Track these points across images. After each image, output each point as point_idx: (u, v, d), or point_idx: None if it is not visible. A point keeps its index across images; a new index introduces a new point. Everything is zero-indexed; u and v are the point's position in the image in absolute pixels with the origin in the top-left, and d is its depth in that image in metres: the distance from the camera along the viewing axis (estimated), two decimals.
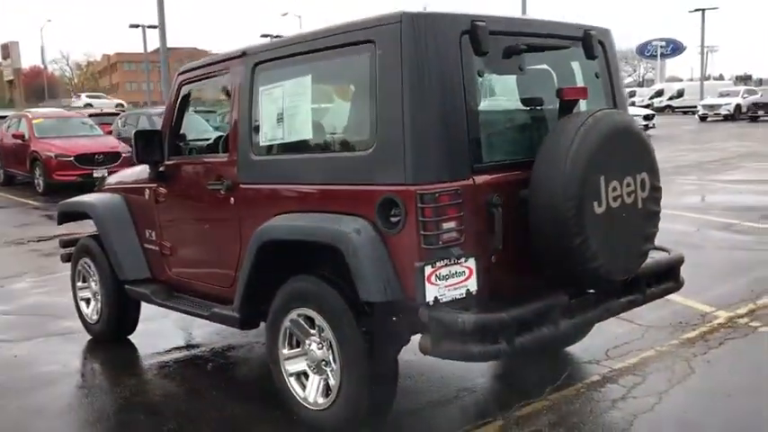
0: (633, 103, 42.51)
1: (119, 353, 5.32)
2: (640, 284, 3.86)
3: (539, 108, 3.72)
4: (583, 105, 3.85)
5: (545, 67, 3.99)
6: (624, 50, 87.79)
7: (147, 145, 4.66)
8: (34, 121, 16.59)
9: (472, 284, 3.26)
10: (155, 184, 4.86)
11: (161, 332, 5.75)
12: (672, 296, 5.87)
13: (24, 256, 9.19)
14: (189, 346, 5.44)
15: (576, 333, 4.67)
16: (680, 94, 49.24)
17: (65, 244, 5.97)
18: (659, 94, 50.64)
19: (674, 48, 66.11)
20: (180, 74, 4.75)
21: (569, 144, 3.27)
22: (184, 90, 4.70)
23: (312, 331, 3.68)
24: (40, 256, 9.04)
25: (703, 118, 37.13)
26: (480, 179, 3.32)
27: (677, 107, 48.02)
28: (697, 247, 8.00)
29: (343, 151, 3.68)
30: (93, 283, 5.49)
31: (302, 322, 3.70)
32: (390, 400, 3.63)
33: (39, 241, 10.03)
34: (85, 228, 5.82)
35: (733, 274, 6.72)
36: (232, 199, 4.14)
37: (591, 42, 3.93)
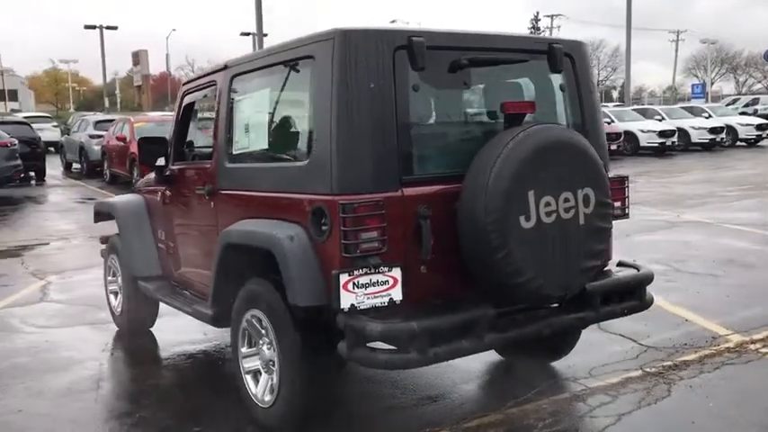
0: (755, 111, 40.06)
1: (138, 343, 5.70)
2: (593, 301, 3.79)
3: (489, 122, 3.74)
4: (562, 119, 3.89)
5: (517, 81, 4.02)
6: (754, 55, 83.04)
7: (152, 151, 5.01)
8: (135, 125, 17.73)
9: (397, 293, 3.33)
10: (163, 187, 5.20)
11: (183, 326, 6.08)
12: (692, 317, 5.79)
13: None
14: (204, 341, 5.75)
15: (562, 346, 4.62)
16: None
17: (103, 240, 6.46)
18: None
19: None
20: (183, 84, 5.08)
21: (495, 158, 3.30)
22: (186, 100, 5.02)
23: (263, 332, 3.86)
24: None
25: None
26: (409, 191, 3.40)
27: None
28: (749, 267, 7.61)
29: (287, 161, 3.86)
30: (118, 278, 5.92)
31: (255, 323, 3.89)
32: (327, 401, 3.76)
33: None
34: None
35: None
36: (212, 203, 4.40)
37: (555, 55, 3.91)
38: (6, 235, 11.67)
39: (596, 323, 3.96)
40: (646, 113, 26.99)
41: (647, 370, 4.70)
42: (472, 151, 3.58)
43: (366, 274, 3.27)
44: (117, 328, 6.02)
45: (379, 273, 3.30)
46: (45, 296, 7.39)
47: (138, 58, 64.19)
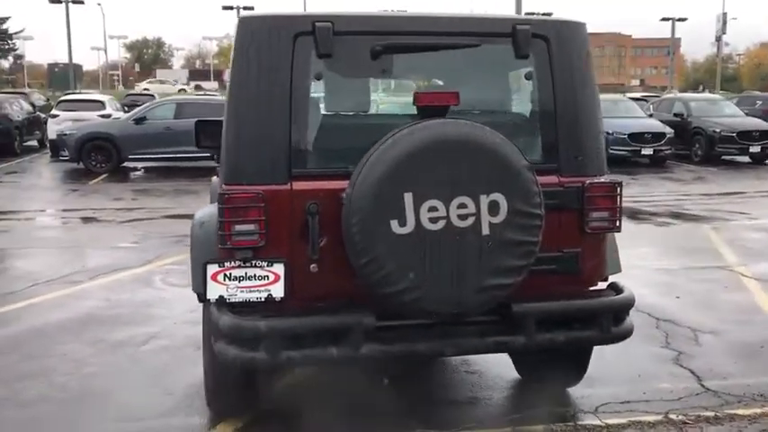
0: None
1: None
2: (525, 325, 3.26)
3: (409, 115, 3.38)
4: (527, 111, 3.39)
5: (468, 69, 3.59)
6: None
7: (208, 132, 5.34)
8: None
9: (277, 290, 3.23)
10: None
11: None
12: None
13: None
14: None
15: (560, 370, 4.05)
16: None
17: None
18: None
19: None
20: None
21: (368, 157, 3.01)
22: None
23: None
24: None
25: None
26: (299, 185, 3.25)
27: None
28: None
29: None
30: None
31: None
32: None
33: None
34: None
35: None
36: None
37: (519, 39, 3.38)
38: None
39: (529, 350, 3.39)
40: None
41: (672, 417, 3.92)
42: None
43: (240, 267, 3.21)
44: None
45: (256, 267, 3.22)
46: None
47: None
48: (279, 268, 3.23)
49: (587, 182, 3.45)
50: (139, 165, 17.29)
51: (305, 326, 3.15)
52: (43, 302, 6.34)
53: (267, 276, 3.23)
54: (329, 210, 3.20)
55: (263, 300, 3.23)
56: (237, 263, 3.21)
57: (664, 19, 48.67)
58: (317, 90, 3.34)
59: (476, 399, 4.23)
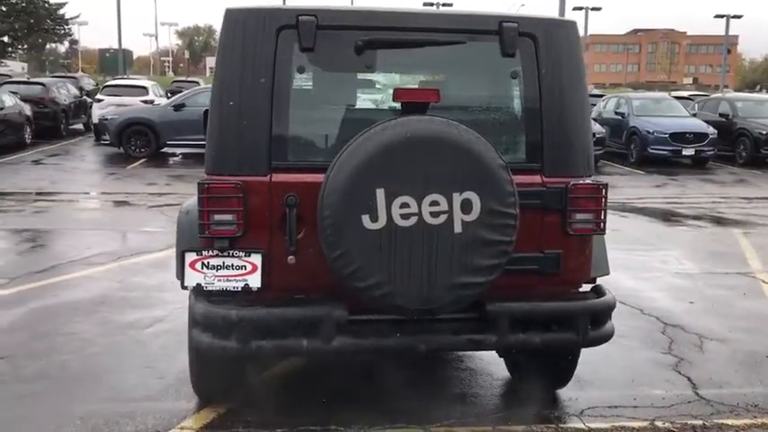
0: None
1: None
2: (499, 324, 3.24)
3: (391, 111, 3.38)
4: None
5: (454, 66, 3.56)
6: None
7: None
8: None
9: (254, 280, 3.28)
10: None
11: None
12: None
13: None
14: None
15: (548, 372, 4.01)
16: None
17: None
18: None
19: None
20: None
21: (342, 152, 3.02)
22: None
23: None
24: None
25: None
26: (279, 177, 3.28)
27: None
28: None
29: None
30: None
31: None
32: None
33: None
34: None
35: None
36: None
37: (505, 36, 3.35)
38: None
39: (502, 349, 3.36)
40: None
41: (657, 424, 3.85)
42: None
43: (218, 256, 3.27)
44: None
45: (234, 257, 3.27)
46: None
47: None
48: (256, 259, 3.28)
49: (571, 183, 3.40)
50: (177, 150, 17.56)
51: (276, 316, 3.18)
52: (63, 282, 6.52)
53: (244, 266, 3.28)
54: (307, 202, 3.22)
55: (239, 289, 3.28)
56: (215, 252, 3.27)
57: (717, 16, 47.36)
58: (299, 83, 3.36)
59: (463, 396, 4.22)
